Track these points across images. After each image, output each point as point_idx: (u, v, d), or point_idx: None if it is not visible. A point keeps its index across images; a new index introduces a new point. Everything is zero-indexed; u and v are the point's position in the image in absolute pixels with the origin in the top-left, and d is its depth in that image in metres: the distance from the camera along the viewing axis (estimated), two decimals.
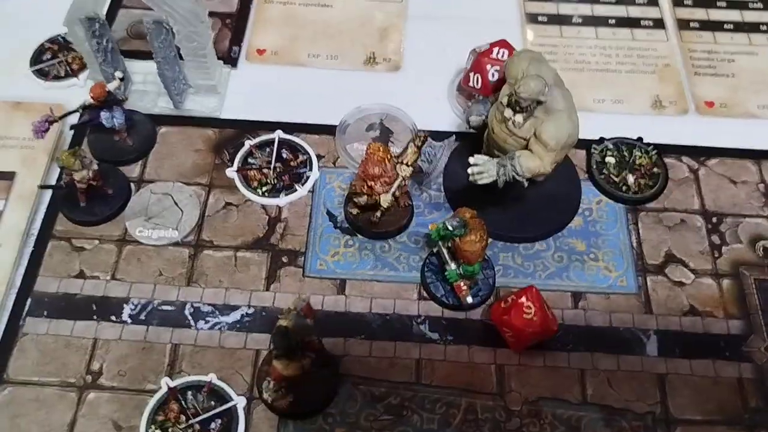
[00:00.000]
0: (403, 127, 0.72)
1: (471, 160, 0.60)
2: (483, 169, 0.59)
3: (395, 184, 0.63)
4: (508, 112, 0.58)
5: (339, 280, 0.65)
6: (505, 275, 0.65)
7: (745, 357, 0.61)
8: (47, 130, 0.66)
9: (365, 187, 0.62)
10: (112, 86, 0.66)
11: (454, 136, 0.71)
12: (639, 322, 0.64)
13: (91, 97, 0.67)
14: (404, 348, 0.61)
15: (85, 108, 0.67)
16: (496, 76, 0.69)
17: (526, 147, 0.57)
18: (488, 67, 0.69)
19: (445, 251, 0.60)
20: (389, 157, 0.62)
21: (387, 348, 0.61)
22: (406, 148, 0.64)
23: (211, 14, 0.78)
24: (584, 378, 0.60)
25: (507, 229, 0.67)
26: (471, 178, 0.60)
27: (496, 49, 0.70)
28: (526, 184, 0.60)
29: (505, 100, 0.57)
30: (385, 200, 0.62)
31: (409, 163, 0.63)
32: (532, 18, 0.81)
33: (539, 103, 0.56)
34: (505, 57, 0.69)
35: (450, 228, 0.58)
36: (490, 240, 0.60)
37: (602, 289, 0.65)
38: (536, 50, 0.62)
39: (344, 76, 0.77)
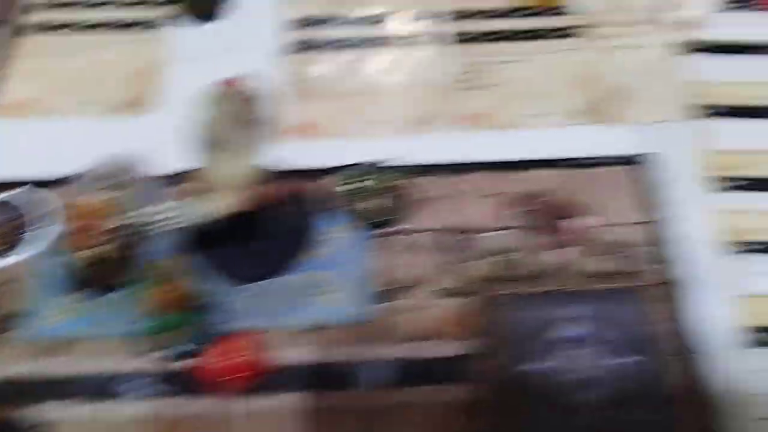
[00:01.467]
0: (142, 171, 0.72)
1: (150, 209, 0.60)
2: (168, 214, 0.60)
3: (100, 239, 0.62)
4: (200, 153, 0.58)
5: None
6: (237, 319, 0.64)
7: (468, 378, 0.60)
8: None
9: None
10: None
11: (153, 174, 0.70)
12: (369, 351, 0.64)
13: None
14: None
15: None
16: None
17: None
18: None
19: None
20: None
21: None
22: None
23: None
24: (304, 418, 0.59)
25: (243, 269, 0.67)
26: (155, 225, 0.59)
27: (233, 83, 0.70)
28: (212, 225, 0.60)
29: None
30: (87, 255, 0.62)
31: (112, 214, 0.63)
32: (297, 47, 0.81)
33: (221, 143, 0.57)
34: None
35: (144, 279, 0.58)
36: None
37: (340, 320, 0.64)
38: None
39: (93, 124, 0.77)
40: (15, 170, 0.76)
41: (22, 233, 0.69)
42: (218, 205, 0.57)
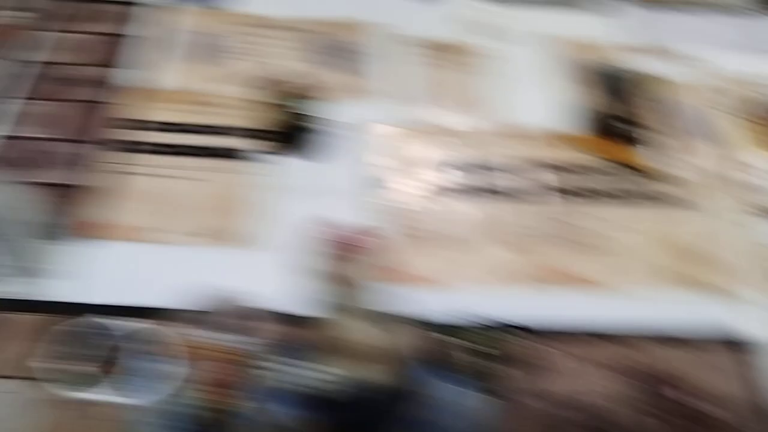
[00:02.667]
0: (264, 315, 0.67)
1: (280, 366, 0.54)
2: (293, 374, 0.54)
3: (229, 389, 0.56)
4: (335, 317, 0.53)
5: None
6: None
7: None
8: None
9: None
10: None
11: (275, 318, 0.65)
12: None
13: None
14: None
15: None
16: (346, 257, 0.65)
17: None
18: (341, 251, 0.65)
19: None
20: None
21: None
22: None
23: (39, 185, 0.73)
24: None
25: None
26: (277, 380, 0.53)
27: (350, 236, 0.66)
28: (339, 393, 0.54)
29: None
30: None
31: (240, 364, 0.57)
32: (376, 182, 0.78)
33: (356, 311, 0.52)
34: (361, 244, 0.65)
35: None
36: None
37: None
38: None
39: (196, 253, 0.72)
40: (105, 295, 0.70)
41: (126, 368, 0.62)
42: (362, 373, 0.52)
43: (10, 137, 0.78)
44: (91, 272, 0.69)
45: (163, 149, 0.78)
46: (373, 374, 0.51)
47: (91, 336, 0.62)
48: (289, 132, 0.78)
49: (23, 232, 0.62)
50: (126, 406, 0.58)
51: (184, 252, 0.72)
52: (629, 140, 0.80)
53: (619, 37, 0.96)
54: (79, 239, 0.71)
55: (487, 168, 0.80)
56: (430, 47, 0.93)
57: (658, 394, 0.63)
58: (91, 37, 0.90)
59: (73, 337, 0.62)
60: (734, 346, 0.68)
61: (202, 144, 0.79)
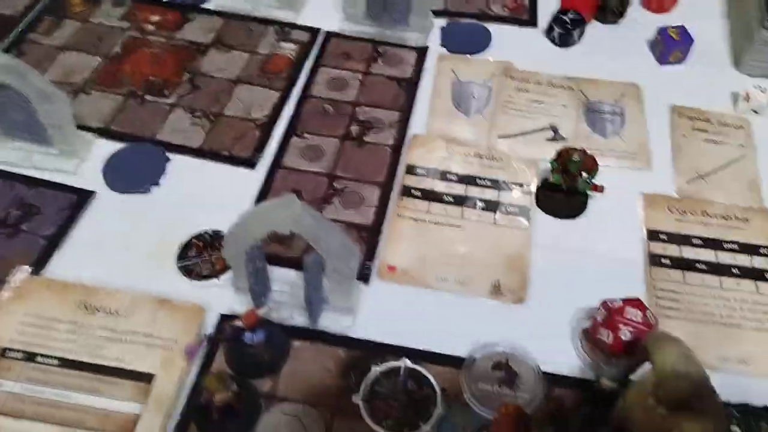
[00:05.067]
0: (527, 368, 0.73)
1: None
2: None
3: None
4: (651, 402, 0.58)
5: None
6: None
7: None
8: (199, 352, 0.69)
9: None
10: (262, 312, 0.70)
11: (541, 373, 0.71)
12: None
13: (244, 324, 0.70)
14: None
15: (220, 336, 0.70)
16: (629, 336, 0.70)
17: None
18: (621, 326, 0.70)
19: None
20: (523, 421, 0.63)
21: None
22: None
23: (347, 225, 0.82)
24: None
25: None
26: None
27: (629, 308, 0.71)
28: None
29: (651, 391, 0.58)
30: None
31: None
32: (655, 260, 0.82)
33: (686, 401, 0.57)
34: (639, 318, 0.70)
35: None
36: None
37: None
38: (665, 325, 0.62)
39: (470, 304, 0.79)
40: (392, 337, 0.77)
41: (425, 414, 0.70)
42: None
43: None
44: (393, 314, 0.77)
45: (450, 198, 0.85)
46: None
47: (404, 379, 0.71)
48: (568, 193, 0.82)
49: (350, 272, 0.71)
50: None
51: (473, 303, 0.78)
52: None
53: None
54: (382, 281, 0.79)
55: (747, 251, 0.84)
56: (692, 117, 0.98)
57: None
58: (386, 80, 0.99)
59: (389, 378, 0.71)
60: None
61: (486, 197, 0.85)
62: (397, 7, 1.03)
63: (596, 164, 0.82)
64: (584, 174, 0.82)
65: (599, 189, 0.83)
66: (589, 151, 0.83)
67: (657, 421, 0.57)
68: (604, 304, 0.72)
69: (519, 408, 0.61)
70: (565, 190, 0.84)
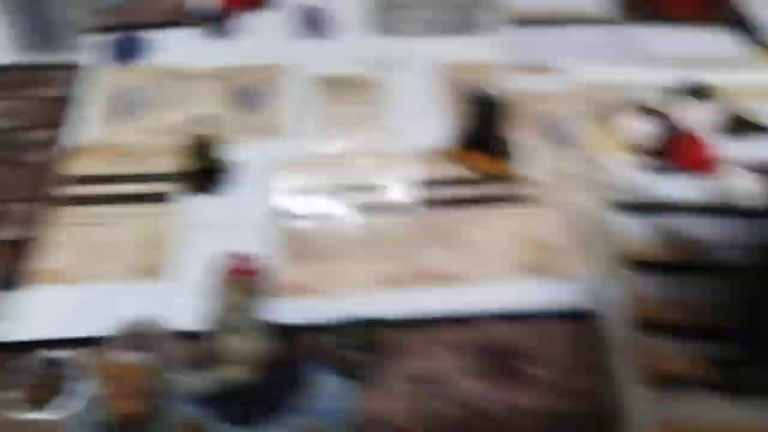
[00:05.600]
0: (165, 334, 0.83)
1: (179, 376, 0.72)
2: (192, 381, 0.72)
3: (136, 394, 0.73)
4: (217, 334, 0.71)
5: None
6: None
7: None
8: None
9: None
10: None
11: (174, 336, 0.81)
12: None
13: None
14: None
15: None
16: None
17: None
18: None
19: None
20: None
21: None
22: None
23: None
24: None
25: (245, 418, 0.78)
26: (180, 389, 0.71)
27: (238, 263, 0.82)
28: (230, 390, 0.72)
29: None
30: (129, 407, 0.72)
31: (142, 373, 0.74)
32: (284, 214, 0.94)
33: (236, 326, 0.70)
34: (247, 270, 0.82)
35: None
36: None
37: None
38: None
39: (117, 289, 0.87)
40: (48, 331, 0.84)
41: (59, 389, 0.80)
42: (231, 374, 0.69)
43: None
44: (37, 313, 0.85)
45: (95, 200, 0.95)
46: (243, 374, 0.68)
47: (37, 367, 0.79)
48: (204, 174, 0.93)
49: None
50: (57, 422, 0.74)
51: (112, 289, 0.87)
52: (496, 152, 0.96)
53: (498, 57, 1.13)
54: (28, 286, 0.87)
55: (372, 188, 0.97)
56: (330, 83, 1.09)
57: (496, 363, 0.80)
58: (34, 102, 1.08)
59: (20, 369, 0.79)
60: (575, 318, 0.84)
61: (129, 192, 0.96)
62: (51, 33, 1.10)
63: (217, 140, 0.93)
64: (214, 153, 0.94)
65: (226, 167, 0.95)
66: (228, 130, 0.98)
67: None
68: (221, 259, 0.82)
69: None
70: (204, 171, 0.94)
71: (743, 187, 0.89)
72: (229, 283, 0.69)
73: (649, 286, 0.85)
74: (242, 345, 0.64)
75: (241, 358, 0.64)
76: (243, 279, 0.72)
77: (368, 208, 0.94)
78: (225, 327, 0.64)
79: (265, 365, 0.71)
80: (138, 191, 0.95)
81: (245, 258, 0.80)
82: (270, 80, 1.05)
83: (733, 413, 0.72)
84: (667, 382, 0.77)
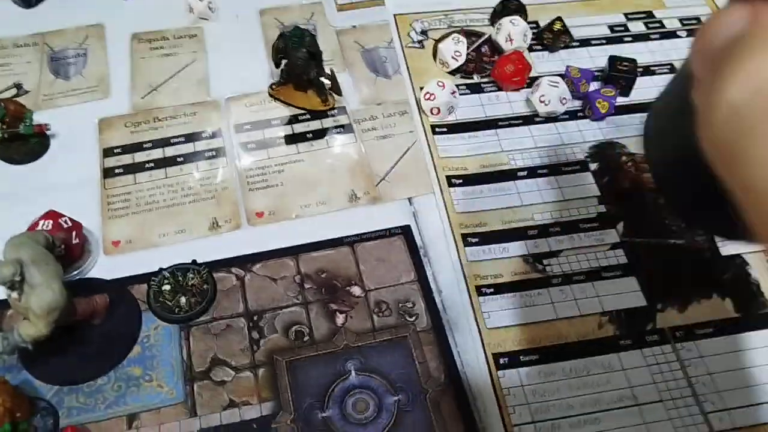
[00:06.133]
0: None
1: None
2: None
3: None
4: (7, 292, 0.70)
5: None
6: (69, 416, 0.75)
7: (281, 430, 0.74)
8: None
9: None
10: None
11: None
12: (184, 427, 0.76)
13: None
14: None
15: None
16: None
17: None
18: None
19: None
20: None
21: None
22: None
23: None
24: None
25: (70, 374, 0.78)
26: None
27: (42, 222, 0.82)
28: (30, 347, 0.72)
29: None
30: None
31: None
32: (109, 172, 0.94)
33: (21, 281, 0.69)
34: (50, 227, 0.81)
35: None
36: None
37: (155, 405, 0.77)
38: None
39: None
40: None
41: None
42: (32, 330, 0.70)
43: None
44: None
45: None
46: (42, 329, 0.68)
47: None
48: (18, 142, 0.91)
49: None
50: None
51: None
52: (316, 87, 0.97)
53: None
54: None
55: (196, 137, 0.97)
56: (144, 39, 1.09)
57: (321, 286, 0.83)
58: None
59: None
60: (399, 236, 0.89)
61: None
62: None
63: (22, 107, 0.91)
64: (23, 119, 0.91)
65: (44, 128, 0.93)
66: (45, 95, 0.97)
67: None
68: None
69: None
70: (18, 138, 0.91)
71: (554, 96, 0.92)
72: (24, 237, 0.68)
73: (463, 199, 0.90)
74: (42, 296, 0.64)
75: (44, 310, 0.63)
76: (30, 233, 0.72)
77: (193, 157, 0.95)
78: (6, 283, 0.63)
79: (78, 317, 0.71)
80: None
81: (54, 215, 0.80)
82: (85, 42, 1.02)
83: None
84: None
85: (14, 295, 0.69)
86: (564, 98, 0.97)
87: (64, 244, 0.79)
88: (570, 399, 0.77)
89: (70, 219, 0.82)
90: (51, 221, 0.82)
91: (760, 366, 0.80)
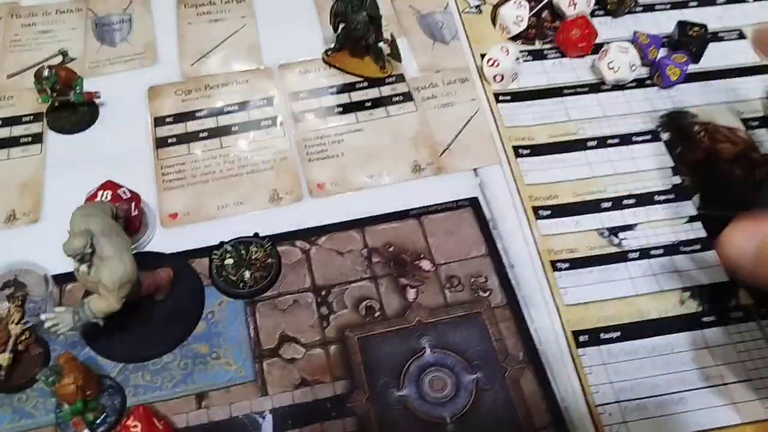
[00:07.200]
0: (38, 278, 0.79)
1: (42, 316, 0.68)
2: (58, 320, 0.67)
3: (9, 344, 0.70)
4: (75, 265, 0.66)
5: None
6: (136, 395, 0.72)
7: (349, 412, 0.70)
8: None
9: None
10: None
11: (50, 278, 0.78)
12: (255, 406, 0.72)
13: None
14: None
15: None
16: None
17: None
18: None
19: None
20: None
21: None
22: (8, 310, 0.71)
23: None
24: None
25: (135, 351, 0.75)
26: (49, 330, 0.68)
27: (101, 192, 0.78)
28: (101, 323, 0.69)
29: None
30: (3, 359, 0.69)
31: (15, 322, 0.70)
32: (162, 142, 0.90)
33: (92, 254, 0.65)
34: (109, 197, 0.77)
35: (43, 378, 0.65)
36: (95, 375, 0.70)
37: (223, 383, 0.73)
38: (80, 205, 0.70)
39: None
40: None
41: None
42: (103, 305, 0.66)
43: None
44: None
45: None
46: (113, 305, 0.64)
47: None
48: (67, 111, 0.88)
49: None
50: None
51: None
52: (374, 53, 0.92)
53: None
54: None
55: (251, 105, 0.93)
56: (189, 4, 1.05)
57: (390, 260, 0.79)
58: None
59: None
60: (467, 209, 0.86)
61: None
62: None
63: (73, 74, 0.87)
64: (73, 87, 0.88)
65: (94, 96, 0.88)
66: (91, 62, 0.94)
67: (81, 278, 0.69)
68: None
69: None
70: (68, 106, 0.87)
71: (624, 62, 0.88)
72: (90, 208, 0.64)
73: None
74: (110, 270, 0.60)
75: (111, 285, 0.59)
76: (103, 203, 0.67)
77: (248, 126, 0.92)
78: (77, 256, 0.59)
79: (143, 293, 0.67)
80: (8, 135, 0.87)
81: (112, 186, 0.76)
82: (129, 7, 0.98)
83: None
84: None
85: (83, 268, 0.65)
86: (633, 65, 0.92)
87: (125, 215, 0.75)
88: (655, 378, 0.73)
89: (129, 190, 0.78)
90: (110, 192, 0.78)
91: None
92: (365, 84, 0.95)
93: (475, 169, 0.87)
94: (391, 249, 0.81)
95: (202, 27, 1.02)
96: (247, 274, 0.78)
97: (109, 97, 0.92)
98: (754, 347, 0.77)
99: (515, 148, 0.88)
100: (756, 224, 0.51)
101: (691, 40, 0.96)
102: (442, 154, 0.88)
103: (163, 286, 0.75)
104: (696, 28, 0.97)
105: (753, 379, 0.74)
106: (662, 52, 0.97)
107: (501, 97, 0.93)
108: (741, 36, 1.02)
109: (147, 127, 0.91)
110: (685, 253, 0.82)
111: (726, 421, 0.72)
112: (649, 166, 0.89)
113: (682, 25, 0.98)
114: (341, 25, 0.92)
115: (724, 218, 0.79)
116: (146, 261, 0.76)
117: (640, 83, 0.97)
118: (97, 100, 0.91)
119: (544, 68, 0.98)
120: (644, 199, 0.86)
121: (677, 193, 0.86)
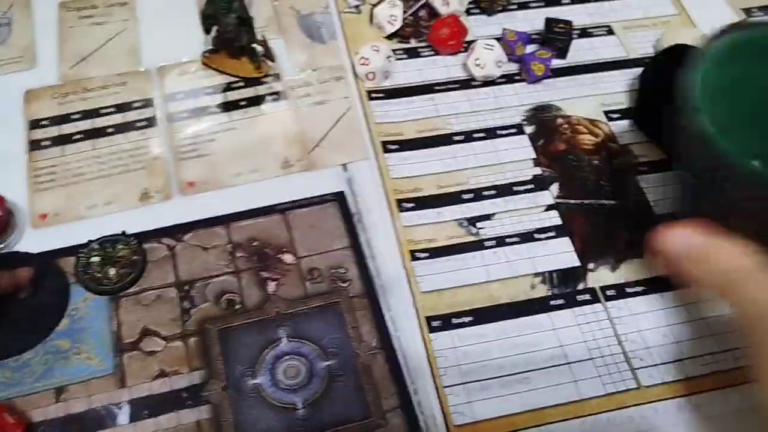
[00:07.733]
0: None
1: None
2: None
3: None
4: None
5: None
6: None
7: (204, 400, 0.73)
8: None
9: None
10: None
11: None
12: (114, 398, 0.75)
13: None
14: None
15: None
16: None
17: None
18: None
19: None
20: None
21: None
22: None
23: None
24: None
25: None
26: None
27: None
28: None
29: None
30: None
31: None
32: (36, 145, 0.92)
33: None
34: None
35: None
36: None
37: (83, 377, 0.75)
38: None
39: None
40: None
41: None
42: None
43: None
44: None
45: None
46: None
47: None
48: None
49: None
50: None
51: None
52: (249, 54, 0.95)
53: None
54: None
55: (123, 110, 0.95)
56: (71, 8, 1.07)
57: (253, 254, 0.82)
58: None
59: None
60: (332, 203, 0.89)
61: None
62: None
63: None
64: None
65: None
66: None
67: None
68: None
69: None
70: None
71: (489, 59, 0.91)
72: None
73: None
74: None
75: None
76: None
77: (123, 128, 0.95)
78: None
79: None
80: None
81: None
82: (9, 10, 0.99)
83: None
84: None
85: None
86: (500, 61, 0.96)
87: None
88: (501, 359, 0.77)
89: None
90: None
91: (689, 322, 0.81)
92: (242, 84, 0.97)
93: (344, 165, 0.90)
94: (255, 244, 0.84)
95: (84, 30, 1.03)
96: (112, 271, 0.80)
97: None
98: (598, 328, 0.81)
99: (384, 144, 0.91)
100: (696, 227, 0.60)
101: (556, 36, 1.00)
102: (312, 150, 0.91)
103: (23, 285, 0.77)
104: (561, 25, 1.01)
105: (594, 357, 0.78)
106: (530, 48, 1.02)
107: (374, 95, 0.96)
108: (610, 32, 1.07)
109: (22, 130, 0.92)
110: (539, 240, 0.86)
111: (566, 398, 0.76)
112: (511, 158, 0.93)
113: (548, 21, 1.02)
114: (214, 28, 0.94)
115: (580, 207, 0.84)
116: (11, 261, 0.78)
117: (509, 79, 1.01)
118: None
119: (417, 66, 1.01)
120: (504, 190, 0.90)
121: (536, 183, 0.91)
